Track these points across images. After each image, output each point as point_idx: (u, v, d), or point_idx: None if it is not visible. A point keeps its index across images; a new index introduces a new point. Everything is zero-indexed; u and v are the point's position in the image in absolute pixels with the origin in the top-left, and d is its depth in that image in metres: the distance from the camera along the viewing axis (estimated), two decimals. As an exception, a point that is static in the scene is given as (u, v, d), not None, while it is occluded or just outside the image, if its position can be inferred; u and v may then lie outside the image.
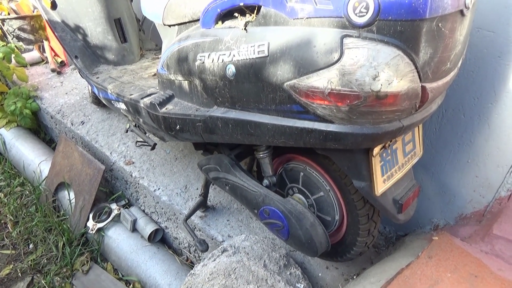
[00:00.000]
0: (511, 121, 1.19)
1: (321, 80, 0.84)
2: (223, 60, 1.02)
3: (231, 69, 1.00)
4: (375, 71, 0.79)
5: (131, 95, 1.57)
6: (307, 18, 0.84)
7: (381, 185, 1.04)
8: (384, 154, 1.05)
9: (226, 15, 1.04)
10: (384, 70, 0.78)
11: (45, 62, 3.12)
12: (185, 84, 1.23)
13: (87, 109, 2.51)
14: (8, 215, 2.13)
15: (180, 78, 1.23)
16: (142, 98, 1.46)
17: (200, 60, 1.08)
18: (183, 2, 1.19)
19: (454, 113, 1.30)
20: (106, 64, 2.04)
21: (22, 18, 3.16)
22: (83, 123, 2.38)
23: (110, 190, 2.21)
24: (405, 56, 0.78)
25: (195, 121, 1.17)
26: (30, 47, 3.24)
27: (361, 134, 0.88)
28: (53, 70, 2.93)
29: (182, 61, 1.17)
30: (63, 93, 2.70)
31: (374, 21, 0.76)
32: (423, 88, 0.84)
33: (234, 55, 0.98)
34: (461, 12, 0.82)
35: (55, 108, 2.54)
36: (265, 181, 1.32)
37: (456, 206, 1.42)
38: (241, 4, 0.96)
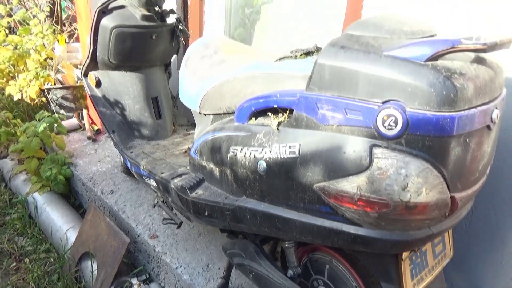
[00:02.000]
0: (545, 224, 1.16)
1: (351, 186, 0.86)
2: (255, 155, 1.06)
3: (262, 165, 1.04)
4: (404, 181, 0.81)
5: (162, 173, 1.64)
6: (337, 125, 0.89)
7: (411, 289, 1.01)
8: (413, 257, 1.03)
9: (260, 112, 1.11)
10: (413, 181, 0.80)
11: (82, 129, 3.30)
12: (216, 171, 1.28)
13: (117, 178, 2.60)
14: (30, 283, 2.14)
15: (211, 165, 1.28)
16: (172, 178, 1.51)
17: (233, 152, 1.14)
18: (220, 95, 1.28)
19: (484, 212, 1.28)
20: (140, 139, 2.14)
21: (66, 88, 3.42)
22: (113, 192, 2.45)
23: (132, 262, 2.21)
24: (433, 169, 0.80)
25: (224, 209, 1.20)
26: (70, 114, 3.46)
27: (390, 240, 0.88)
28: (89, 138, 3.09)
29: (215, 151, 1.23)
30: (96, 160, 2.82)
31: (402, 135, 0.80)
32: (452, 198, 0.85)
33: (265, 152, 1.03)
34: (488, 127, 0.85)
35: (87, 175, 2.64)
36: (290, 272, 1.30)
37: (491, 309, 1.34)
38: (275, 106, 1.03)
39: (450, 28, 1.29)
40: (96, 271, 2.05)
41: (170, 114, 2.28)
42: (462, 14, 1.30)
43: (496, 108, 0.88)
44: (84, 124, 3.30)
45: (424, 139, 0.79)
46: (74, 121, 3.37)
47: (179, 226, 1.68)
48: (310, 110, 0.94)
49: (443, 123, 0.77)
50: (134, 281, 1.99)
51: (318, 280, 1.33)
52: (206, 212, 1.26)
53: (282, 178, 1.00)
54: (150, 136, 2.15)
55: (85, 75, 2.13)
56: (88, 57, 2.02)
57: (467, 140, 0.81)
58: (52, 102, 3.45)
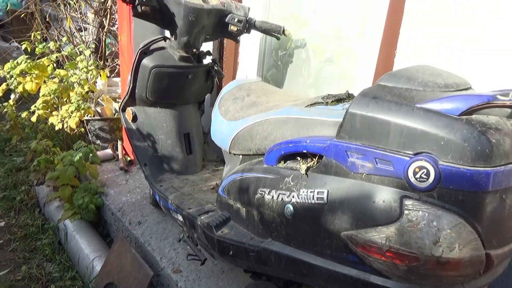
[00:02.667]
0: None
1: (379, 236, 0.85)
2: (282, 199, 1.07)
3: (289, 209, 1.05)
4: (436, 235, 0.79)
5: (189, 209, 1.66)
6: (367, 174, 0.89)
7: None
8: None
9: (289, 156, 1.13)
10: (446, 236, 0.78)
11: (115, 159, 3.41)
12: (243, 211, 1.29)
13: (146, 209, 2.64)
14: (54, 310, 2.17)
15: (238, 205, 1.29)
16: (199, 215, 1.53)
17: (260, 194, 1.15)
18: (250, 137, 1.31)
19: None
20: (170, 173, 2.19)
21: (104, 120, 3.58)
22: (140, 224, 2.49)
23: (153, 296, 2.20)
24: (467, 225, 0.78)
25: (249, 250, 1.19)
26: (106, 145, 3.59)
27: (420, 297, 0.85)
28: (121, 168, 3.18)
29: (243, 191, 1.24)
30: (127, 191, 2.89)
31: (434, 188, 0.79)
32: (487, 255, 0.82)
33: (293, 196, 1.04)
34: (525, 183, 0.83)
35: (117, 205, 2.70)
36: (314, 320, 1.26)
37: None
38: (305, 151, 1.04)
39: (486, 82, 1.28)
40: (118, 303, 2.06)
41: (201, 150, 2.34)
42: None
43: (534, 164, 0.85)
44: (117, 155, 3.42)
45: (457, 194, 0.78)
46: (108, 151, 3.50)
47: (203, 263, 1.68)
48: (340, 157, 0.95)
49: (477, 179, 0.76)
50: (155, 316, 1.98)
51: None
52: (231, 252, 1.26)
53: (309, 223, 1.00)
54: (180, 170, 2.20)
55: (123, 110, 2.24)
56: (127, 94, 2.13)
57: (504, 196, 0.79)
58: (89, 133, 3.61)
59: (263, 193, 1.14)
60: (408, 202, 0.82)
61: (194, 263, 2.11)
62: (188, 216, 1.61)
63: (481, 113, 0.83)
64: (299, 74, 2.51)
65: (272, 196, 1.10)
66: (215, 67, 2.20)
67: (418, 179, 0.81)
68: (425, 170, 0.79)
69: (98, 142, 3.59)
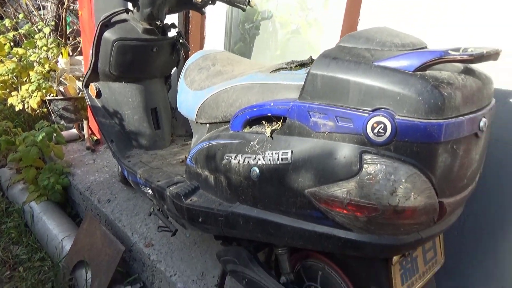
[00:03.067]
0: (535, 234, 1.18)
1: (341, 191, 0.89)
2: (248, 162, 1.09)
3: (255, 171, 1.07)
4: (392, 186, 0.83)
5: (158, 181, 1.66)
6: (328, 132, 0.92)
7: (401, 296, 1.02)
8: (404, 262, 1.04)
9: (254, 120, 1.14)
10: (402, 186, 0.82)
11: (81, 139, 3.33)
12: (211, 178, 1.30)
13: (115, 188, 2.61)
14: (24, 291, 2.14)
15: (206, 172, 1.30)
16: (168, 186, 1.53)
17: (227, 159, 1.16)
18: (216, 105, 1.31)
19: (476, 220, 1.30)
20: (138, 149, 2.17)
21: (68, 99, 3.46)
22: (109, 201, 2.46)
23: (127, 271, 2.21)
24: (421, 175, 0.83)
25: (218, 215, 1.21)
26: (70, 125, 3.49)
27: (380, 244, 0.90)
28: (88, 148, 3.11)
29: (210, 158, 1.25)
30: (94, 170, 2.84)
31: (391, 141, 0.83)
32: (440, 203, 0.87)
33: (259, 159, 1.06)
34: (476, 135, 0.88)
35: (84, 184, 2.65)
36: (283, 278, 1.30)
37: (483, 319, 1.35)
38: (269, 114, 1.06)
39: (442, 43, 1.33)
40: (90, 279, 2.05)
41: (169, 124, 2.31)
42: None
43: (484, 117, 0.91)
44: (83, 135, 3.33)
45: (412, 146, 0.82)
46: (74, 131, 3.40)
47: (174, 234, 1.69)
48: (303, 118, 0.97)
49: (430, 130, 0.80)
50: (128, 290, 1.99)
51: (311, 287, 1.33)
52: (200, 219, 1.28)
53: (274, 184, 1.02)
54: (148, 146, 2.18)
55: (86, 86, 2.17)
56: (89, 69, 2.06)
57: (455, 147, 0.84)
58: (53, 113, 3.48)
59: (230, 158, 1.15)
60: (367, 157, 0.85)
61: (166, 236, 2.12)
62: (157, 188, 1.61)
63: (434, 69, 0.87)
64: (266, 47, 2.51)
65: (239, 161, 1.12)
66: (181, 40, 2.16)
67: (376, 134, 0.84)
68: (382, 125, 0.83)
69: (62, 122, 3.48)
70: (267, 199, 1.06)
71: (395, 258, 0.99)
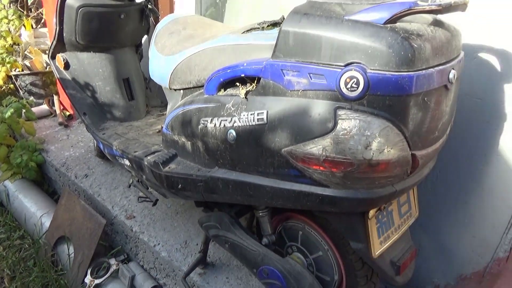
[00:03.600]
0: (502, 183, 1.23)
1: (317, 148, 0.89)
2: (224, 125, 1.08)
3: (232, 134, 1.06)
4: (366, 140, 0.84)
5: (135, 152, 1.63)
6: (302, 90, 0.91)
7: (378, 247, 1.06)
8: (380, 216, 1.07)
9: (228, 83, 1.12)
10: (376, 140, 0.84)
11: (53, 115, 3.22)
12: (188, 145, 1.29)
13: (92, 162, 2.56)
14: (5, 270, 2.11)
15: (183, 139, 1.29)
16: (146, 156, 1.51)
17: (203, 124, 1.15)
18: (189, 70, 1.28)
19: (447, 174, 1.34)
20: (112, 121, 2.12)
21: (35, 74, 3.31)
22: (87, 176, 2.42)
23: (110, 244, 2.21)
24: (394, 127, 0.84)
25: (197, 181, 1.21)
26: (40, 101, 3.36)
27: (356, 198, 0.92)
28: (60, 124, 3.02)
29: (186, 124, 1.23)
30: (69, 146, 2.77)
31: (364, 96, 0.83)
32: (413, 155, 0.89)
33: (235, 121, 1.05)
34: (445, 87, 0.89)
35: (60, 161, 2.59)
36: (264, 240, 1.33)
37: (456, 266, 1.42)
38: (242, 75, 1.04)
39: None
40: (73, 254, 2.04)
41: (143, 95, 2.26)
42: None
43: (453, 69, 0.92)
44: (55, 111, 3.22)
45: (384, 99, 0.82)
46: (44, 107, 3.28)
47: (154, 204, 1.69)
48: (276, 76, 0.96)
49: (402, 83, 0.80)
50: (112, 261, 1.99)
51: (292, 247, 1.37)
52: (180, 186, 1.28)
53: (251, 145, 1.02)
54: (122, 117, 2.13)
55: (53, 57, 2.08)
56: (54, 38, 1.97)
57: (426, 99, 0.85)
58: (21, 89, 3.34)
59: (206, 122, 1.14)
60: (341, 112, 0.86)
61: (147, 208, 2.12)
62: (135, 158, 1.58)
63: (405, 21, 0.86)
64: (239, 12, 2.44)
65: (215, 124, 1.11)
66: (149, 6, 2.08)
67: (349, 89, 0.84)
68: (355, 80, 0.83)
69: (31, 98, 3.34)
70: (245, 161, 1.06)
71: (371, 212, 1.02)
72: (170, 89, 1.41)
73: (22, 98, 3.16)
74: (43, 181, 2.80)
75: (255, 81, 1.03)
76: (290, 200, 1.01)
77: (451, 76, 0.90)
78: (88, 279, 1.92)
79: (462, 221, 1.36)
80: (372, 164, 0.85)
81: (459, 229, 1.37)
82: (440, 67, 0.87)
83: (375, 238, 1.05)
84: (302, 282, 1.18)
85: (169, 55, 1.39)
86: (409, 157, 0.88)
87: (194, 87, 1.29)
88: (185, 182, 1.26)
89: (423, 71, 0.82)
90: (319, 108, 0.88)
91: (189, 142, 1.28)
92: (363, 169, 0.86)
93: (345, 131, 0.85)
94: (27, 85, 3.31)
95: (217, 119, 1.10)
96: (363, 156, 0.84)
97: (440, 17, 0.96)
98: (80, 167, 2.52)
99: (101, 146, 1.99)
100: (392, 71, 0.80)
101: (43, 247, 2.18)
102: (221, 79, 1.11)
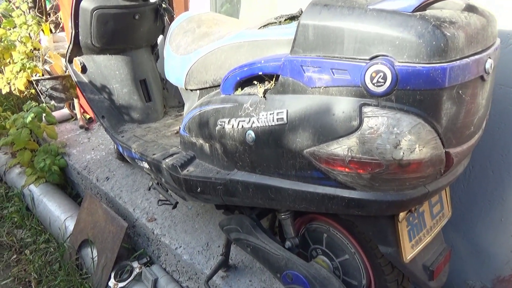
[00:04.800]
0: (544, 179, 1.14)
1: (341, 148, 0.83)
2: (242, 126, 1.03)
3: (250, 135, 1.01)
4: (396, 139, 0.78)
5: (153, 154, 1.61)
6: (324, 87, 0.85)
7: (409, 251, 1.00)
8: (410, 218, 1.01)
9: (246, 82, 1.07)
10: (406, 138, 0.77)
11: (74, 119, 3.26)
12: (206, 146, 1.25)
13: (112, 165, 2.57)
14: (32, 273, 2.14)
15: (201, 141, 1.25)
16: (164, 159, 1.48)
17: (221, 125, 1.10)
18: (204, 69, 1.24)
19: (481, 170, 1.26)
20: (131, 123, 2.11)
21: (55, 78, 3.35)
22: (108, 179, 2.42)
23: (132, 247, 2.20)
24: (426, 124, 0.77)
25: (216, 184, 1.17)
26: (61, 105, 3.40)
27: (385, 201, 0.85)
28: (81, 127, 3.05)
29: (203, 125, 1.19)
30: (90, 149, 2.79)
31: (392, 91, 0.77)
32: (447, 154, 0.82)
33: (253, 122, 1.00)
34: (482, 78, 0.82)
35: (81, 164, 2.61)
36: (288, 243, 1.28)
37: (492, 268, 1.33)
38: (260, 73, 0.99)
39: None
40: (96, 257, 2.05)
41: (160, 96, 2.24)
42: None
43: (490, 58, 0.84)
44: (75, 114, 3.25)
45: (415, 94, 0.76)
46: (65, 111, 3.32)
47: (174, 207, 1.67)
48: (296, 73, 0.90)
49: (434, 75, 0.73)
50: (135, 264, 1.99)
51: (317, 250, 1.31)
52: (199, 189, 1.24)
53: (271, 146, 0.97)
54: (140, 119, 2.11)
55: (70, 61, 2.08)
56: (70, 42, 1.97)
57: (460, 92, 0.78)
58: (41, 94, 3.39)
59: (223, 123, 1.09)
60: (367, 110, 0.79)
61: (168, 210, 2.10)
62: (153, 161, 1.56)
63: (435, 8, 0.79)
64: (255, 8, 2.39)
65: (232, 125, 1.06)
66: (164, 5, 2.05)
67: (375, 84, 0.78)
68: (381, 74, 0.76)
69: (52, 102, 3.39)
70: (265, 163, 1.02)
71: (401, 215, 0.96)
72: (186, 89, 1.37)
73: (43, 103, 3.21)
74: (66, 184, 2.84)
75: (274, 79, 0.98)
76: (313, 203, 0.95)
77: (487, 65, 0.82)
78: (112, 283, 1.92)
79: (497, 220, 1.27)
80: (403, 165, 0.79)
81: (495, 228, 1.29)
82: (476, 57, 0.79)
83: (406, 242, 0.99)
84: (328, 287, 1.12)
85: (184, 55, 1.36)
86: (442, 155, 0.82)
87: (210, 87, 1.25)
88: (204, 185, 1.22)
89: (457, 61, 0.75)
90: (343, 105, 0.83)
91: (207, 144, 1.24)
92: (392, 170, 0.80)
93: (372, 130, 0.79)
94: (47, 89, 3.35)
95: (235, 120, 1.05)
96: (392, 156, 0.78)
97: (473, 2, 0.89)
98: (101, 170, 2.53)
99: (120, 149, 1.98)
100: (423, 63, 0.73)
101: (68, 250, 2.20)
102: (238, 78, 1.06)
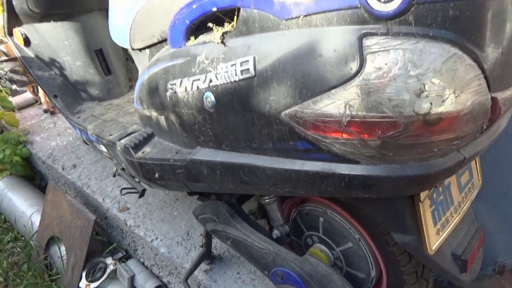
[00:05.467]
0: None
1: (335, 104, 0.56)
2: (198, 87, 0.75)
3: (209, 98, 0.73)
4: (418, 83, 0.50)
5: (110, 135, 1.33)
6: (305, 16, 0.57)
7: (434, 239, 0.74)
8: (434, 195, 0.75)
9: (199, 27, 0.78)
10: (434, 80, 0.50)
11: (38, 103, 2.95)
12: (162, 120, 0.97)
13: (80, 151, 2.29)
14: (-3, 278, 1.90)
15: (154, 113, 0.97)
16: (120, 140, 1.21)
17: (171, 89, 0.82)
18: (149, 18, 0.94)
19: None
20: (90, 101, 1.81)
21: (13, 60, 2.99)
22: (75, 167, 2.15)
23: (108, 240, 1.96)
24: (465, 56, 0.50)
25: (175, 167, 0.90)
26: (24, 88, 3.07)
27: (403, 177, 0.59)
28: (45, 111, 2.74)
29: (153, 93, 0.91)
30: (56, 134, 2.50)
31: (409, 7, 0.48)
32: (493, 100, 0.55)
33: (211, 79, 0.72)
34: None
35: (46, 152, 2.33)
36: (275, 232, 1.03)
37: (526, 242, 1.09)
38: (214, 9, 0.70)
39: None
40: (65, 256, 1.80)
41: (123, 67, 1.93)
42: None
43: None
44: (40, 98, 2.94)
45: (445, 8, 0.48)
46: (28, 95, 3.00)
47: (141, 195, 1.40)
48: (262, 2, 0.61)
49: (475, -26, 0.45)
50: (109, 260, 1.75)
51: (312, 237, 1.06)
52: (156, 174, 0.97)
53: (237, 111, 0.69)
54: (101, 96, 1.82)
55: (10, 33, 1.76)
56: (4, 10, 1.64)
57: (514, 2, 0.50)
58: (1, 78, 3.05)
59: (174, 86, 0.81)
60: (370, 42, 0.52)
61: (143, 197, 1.84)
62: (108, 143, 1.28)
63: None
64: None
65: (185, 88, 0.78)
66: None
67: (382, 0, 0.50)
68: (391, -19, 0.48)
69: (14, 87, 3.04)
70: (231, 135, 0.74)
71: (423, 193, 0.69)
72: (134, 49, 1.07)
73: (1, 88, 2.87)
74: (34, 175, 2.56)
75: (235, 16, 0.69)
76: (301, 185, 0.69)
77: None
78: (83, 283, 1.68)
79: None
80: (430, 122, 0.52)
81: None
82: None
83: (430, 227, 0.73)
84: (328, 287, 0.88)
85: (126, 5, 1.05)
86: (488, 103, 0.54)
87: (160, 42, 0.95)
88: (162, 170, 0.95)
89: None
90: (334, 40, 0.55)
91: (162, 117, 0.96)
92: (414, 130, 0.53)
93: (381, 72, 0.51)
94: (6, 73, 3.00)
95: (188, 80, 0.77)
96: (414, 110, 0.51)
97: None
98: (67, 157, 2.25)
99: (78, 132, 1.69)
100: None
101: (35, 249, 1.95)
102: (187, 22, 0.77)
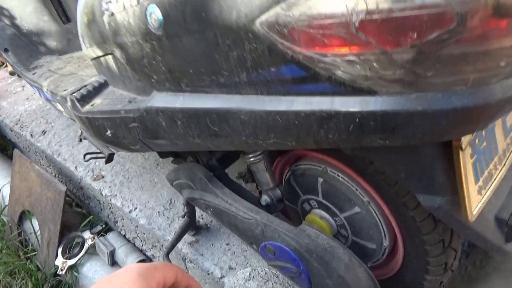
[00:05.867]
0: None
1: (339, -5, 0.34)
2: (138, 0, 0.52)
3: (154, 15, 0.50)
4: None
5: (64, 90, 1.11)
6: None
7: (475, 200, 0.54)
8: (477, 141, 0.54)
9: None
10: None
11: (4, 65, 2.67)
12: (111, 61, 0.74)
13: (51, 115, 2.06)
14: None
15: (98, 51, 0.74)
16: (73, 93, 0.98)
17: (107, 10, 0.59)
18: None
19: None
20: (49, 55, 1.56)
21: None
22: (45, 133, 1.93)
23: (87, 211, 1.78)
24: None
25: (128, 119, 0.68)
26: (-11, 50, 2.78)
27: (448, 111, 0.37)
28: (11, 73, 2.49)
29: (90, 22, 0.67)
30: (24, 98, 2.26)
31: None
32: None
33: (153, -15, 0.48)
34: None
35: (13, 118, 2.10)
36: (264, 198, 0.83)
37: None
38: None
39: None
40: (39, 231, 1.63)
41: (86, 14, 1.66)
42: None
43: None
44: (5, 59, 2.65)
45: None
46: (-6, 57, 2.72)
47: (108, 160, 1.19)
48: None
49: None
50: (87, 235, 1.58)
51: (310, 202, 0.87)
52: (108, 131, 0.76)
53: (193, 28, 0.47)
54: (60, 48, 1.57)
55: None
56: None
57: None
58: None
59: (110, 4, 0.58)
60: None
61: (119, 163, 1.64)
62: (62, 100, 1.06)
63: None
64: None
65: (123, 4, 0.55)
66: None
67: None
68: None
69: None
70: (190, 68, 0.52)
71: (465, 137, 0.48)
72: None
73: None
74: (6, 144, 2.34)
75: None
76: (290, 133, 0.48)
77: None
78: (59, 261, 1.52)
79: None
80: (504, 11, 0.30)
81: None
82: None
83: (471, 184, 0.53)
84: (332, 264, 0.69)
85: None
86: None
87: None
88: (113, 125, 0.74)
89: None
90: None
91: (109, 57, 0.73)
92: (475, 28, 0.31)
93: None
94: (-33, 32, 2.71)
95: (125, -8, 0.53)
96: None
97: None
98: (37, 122, 2.03)
99: (36, 91, 1.46)
100: None
101: (7, 225, 1.78)
102: None
